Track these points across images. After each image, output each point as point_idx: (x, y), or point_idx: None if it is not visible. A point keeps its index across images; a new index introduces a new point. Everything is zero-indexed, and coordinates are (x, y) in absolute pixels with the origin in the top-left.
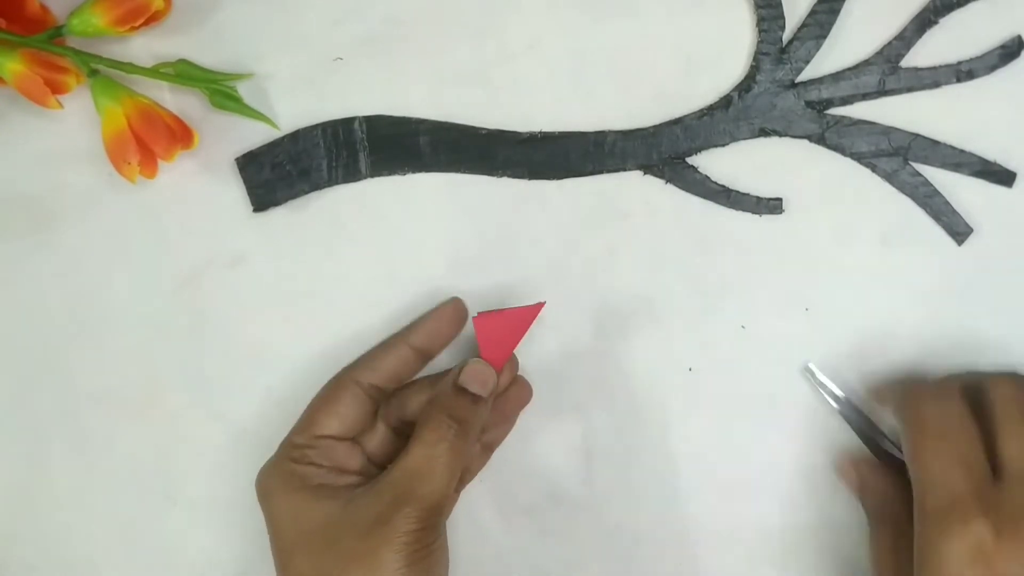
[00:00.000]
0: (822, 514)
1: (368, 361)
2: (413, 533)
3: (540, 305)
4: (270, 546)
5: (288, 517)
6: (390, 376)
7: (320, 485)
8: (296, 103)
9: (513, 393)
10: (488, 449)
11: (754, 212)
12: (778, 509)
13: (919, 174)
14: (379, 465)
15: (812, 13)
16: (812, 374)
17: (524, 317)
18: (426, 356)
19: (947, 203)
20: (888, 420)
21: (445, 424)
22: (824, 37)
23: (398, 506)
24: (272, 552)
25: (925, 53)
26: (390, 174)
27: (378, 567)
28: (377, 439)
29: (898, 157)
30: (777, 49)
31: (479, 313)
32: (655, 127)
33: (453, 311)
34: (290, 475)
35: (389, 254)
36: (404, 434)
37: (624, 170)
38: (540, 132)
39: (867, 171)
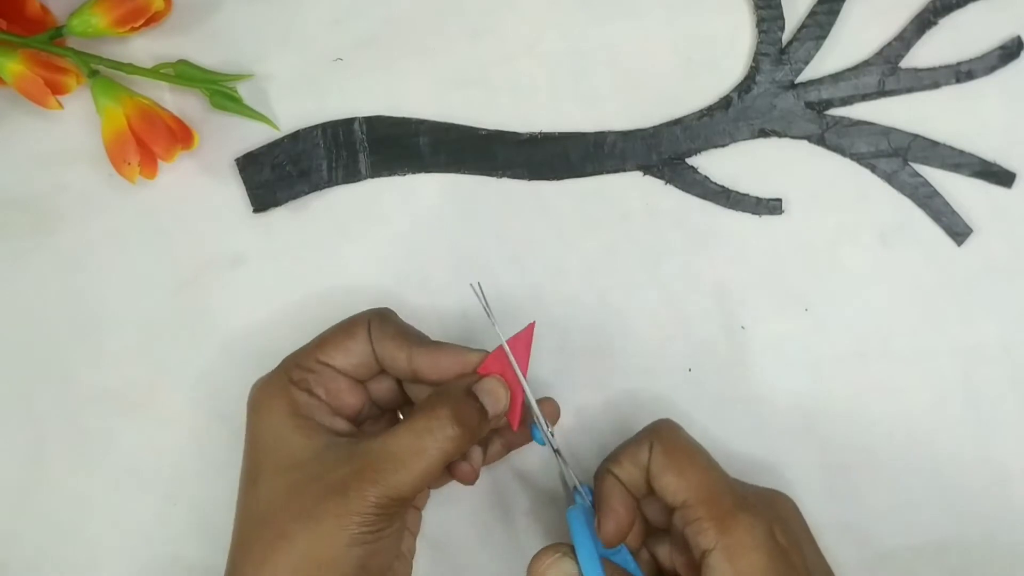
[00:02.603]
0: (823, 514)
1: (385, 327)
2: (366, 515)
3: (531, 325)
4: (243, 455)
5: (267, 438)
6: (381, 359)
7: (307, 418)
8: (296, 103)
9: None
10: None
11: (754, 212)
12: None
13: (919, 174)
14: (376, 415)
15: (812, 14)
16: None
17: (524, 340)
18: (416, 377)
19: (947, 203)
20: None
21: (444, 422)
22: (824, 38)
23: (362, 482)
24: (242, 460)
25: (925, 54)
26: (390, 174)
27: (322, 533)
28: (383, 388)
29: (898, 157)
30: (777, 50)
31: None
32: (655, 127)
33: (476, 361)
34: (283, 395)
35: (389, 254)
36: (409, 392)
37: (624, 170)
38: (540, 132)
39: (867, 171)
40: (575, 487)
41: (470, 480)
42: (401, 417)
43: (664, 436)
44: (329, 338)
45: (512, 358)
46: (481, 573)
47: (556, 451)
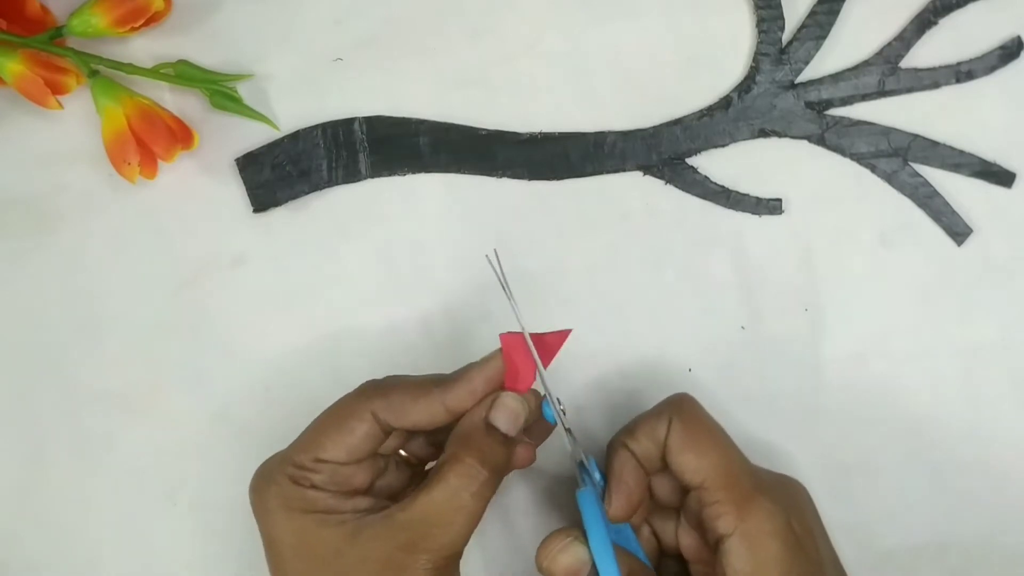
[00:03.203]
0: (823, 514)
1: (394, 402)
2: None
3: (567, 332)
4: (267, 563)
5: (290, 540)
6: (414, 425)
7: (325, 510)
8: (296, 103)
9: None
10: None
11: (754, 212)
12: None
13: (919, 174)
14: (383, 467)
15: (812, 14)
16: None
17: (552, 342)
18: (457, 415)
19: (947, 203)
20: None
21: (475, 470)
22: (824, 38)
23: (413, 553)
24: (269, 568)
25: (925, 54)
26: (390, 174)
27: None
28: (391, 440)
29: (898, 158)
30: (777, 50)
31: (507, 333)
32: (655, 127)
33: (497, 372)
34: (291, 496)
35: (389, 254)
36: (434, 447)
37: (624, 170)
38: (540, 132)
39: (867, 171)
40: (581, 461)
41: (529, 462)
42: (403, 453)
43: (685, 412)
44: (327, 432)
45: (522, 326)
46: (489, 559)
47: (567, 430)
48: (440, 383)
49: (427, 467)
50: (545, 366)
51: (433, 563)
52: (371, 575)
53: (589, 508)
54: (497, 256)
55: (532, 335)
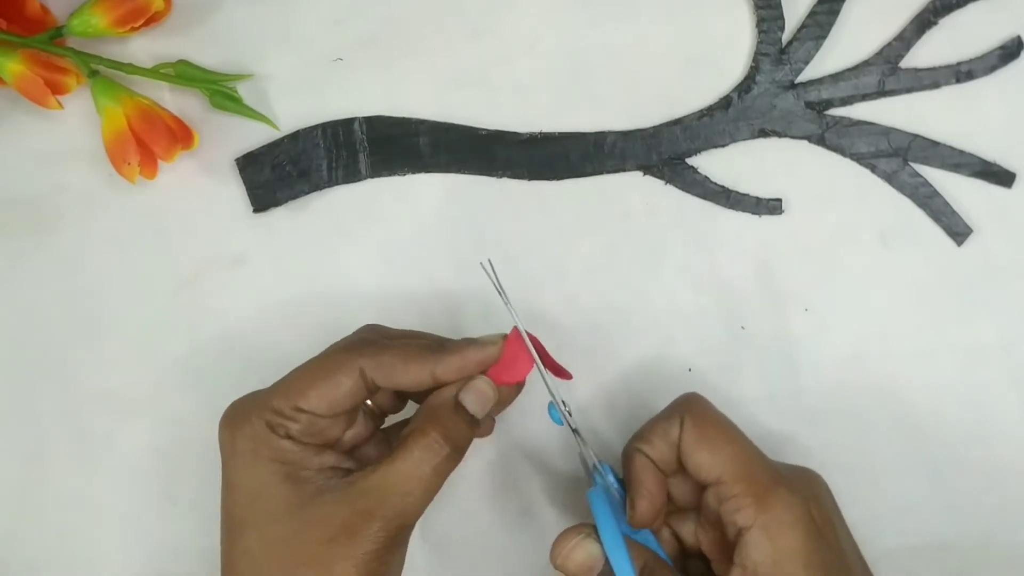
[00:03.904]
0: None
1: (384, 363)
2: (376, 550)
3: (568, 375)
4: (221, 502)
5: (249, 486)
6: (401, 387)
7: (294, 464)
8: (296, 103)
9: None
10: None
11: (754, 212)
12: None
13: (919, 175)
14: (364, 437)
15: (812, 14)
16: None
17: (552, 366)
18: (443, 384)
19: (947, 203)
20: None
21: (438, 444)
22: (824, 38)
23: (367, 519)
24: (221, 510)
25: (925, 54)
26: (390, 175)
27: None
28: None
29: (898, 158)
30: (777, 50)
31: (516, 328)
32: (655, 127)
33: (491, 358)
34: (264, 442)
35: (389, 254)
36: (399, 400)
37: (624, 170)
38: (540, 132)
39: (867, 171)
40: (594, 465)
41: (488, 433)
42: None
43: (695, 411)
44: (311, 382)
45: (524, 334)
46: (502, 559)
47: (575, 431)
48: (435, 351)
49: (386, 419)
50: (543, 353)
51: (386, 531)
52: (323, 538)
53: (600, 506)
54: (492, 265)
55: (541, 351)
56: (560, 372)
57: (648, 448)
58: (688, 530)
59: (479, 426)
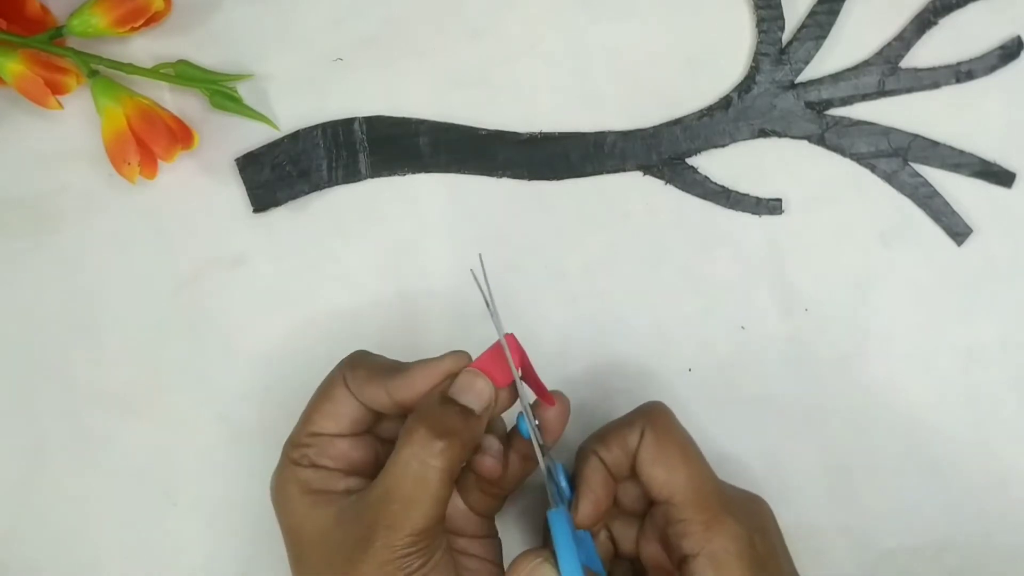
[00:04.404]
0: (823, 514)
1: (357, 376)
2: (397, 560)
3: (551, 401)
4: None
5: (293, 523)
6: (369, 404)
7: (318, 491)
8: (296, 103)
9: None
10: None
11: (754, 212)
12: (777, 510)
13: (919, 175)
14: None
15: (812, 14)
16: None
17: (536, 384)
18: (403, 407)
19: (947, 203)
20: None
21: (427, 439)
22: (824, 38)
23: (378, 531)
24: (287, 555)
25: (925, 54)
26: (390, 174)
27: None
28: (395, 423)
29: (898, 158)
30: (777, 50)
31: (511, 335)
32: (655, 127)
33: (448, 366)
34: (292, 478)
35: (389, 254)
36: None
37: (624, 170)
38: (540, 132)
39: (867, 171)
40: (548, 469)
41: (496, 472)
42: None
43: (658, 424)
44: (313, 407)
45: (505, 345)
46: None
47: (540, 445)
48: (392, 372)
49: None
50: (523, 361)
51: (401, 541)
52: (347, 555)
53: (560, 529)
54: (483, 267)
55: (526, 365)
56: (543, 392)
57: (604, 451)
58: (628, 536)
59: (478, 418)
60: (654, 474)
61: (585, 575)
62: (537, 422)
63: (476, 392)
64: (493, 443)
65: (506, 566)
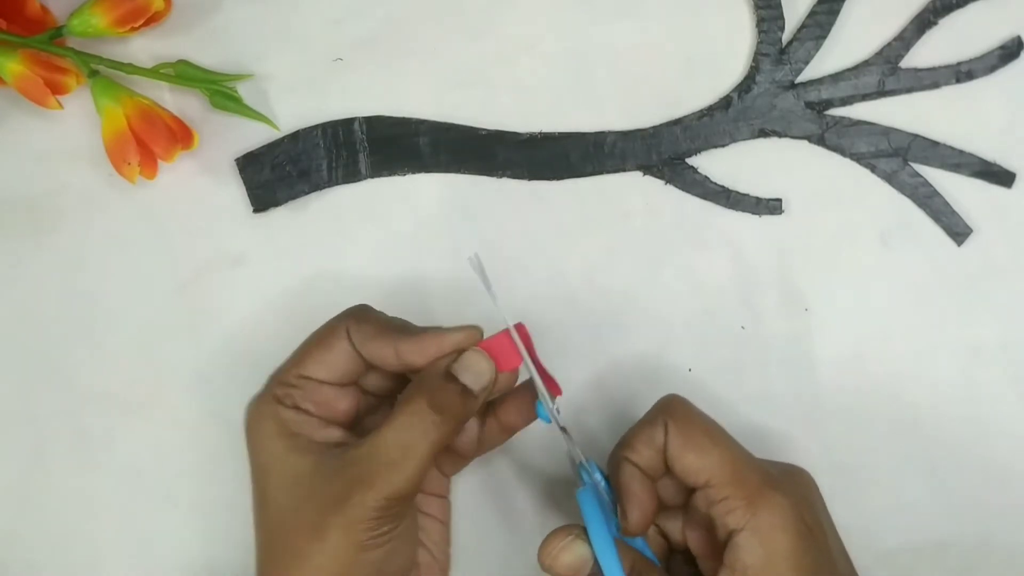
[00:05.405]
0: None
1: (362, 329)
2: (369, 520)
3: (558, 390)
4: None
5: (265, 462)
6: (370, 359)
7: (298, 435)
8: (296, 103)
9: (514, 406)
10: (505, 431)
11: (754, 212)
12: None
13: (919, 175)
14: (374, 406)
15: (812, 14)
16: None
17: (543, 373)
18: (409, 368)
19: (947, 203)
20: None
21: (424, 411)
22: (824, 38)
23: (356, 489)
24: (252, 491)
25: (925, 54)
26: (390, 174)
27: (332, 546)
28: (376, 381)
29: (898, 158)
30: (777, 50)
31: (520, 324)
32: (655, 128)
33: (462, 338)
34: (272, 416)
35: (389, 254)
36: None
37: (624, 170)
38: (540, 132)
39: (867, 171)
40: (581, 463)
41: (468, 452)
42: None
43: (678, 414)
44: (308, 351)
45: (514, 331)
46: (492, 559)
47: (563, 429)
48: (403, 331)
49: None
50: (531, 349)
51: (376, 503)
52: (321, 506)
53: (589, 506)
54: (479, 259)
55: (533, 354)
56: (551, 383)
57: (634, 455)
58: (675, 528)
59: (475, 399)
60: (687, 462)
61: (617, 548)
62: (557, 407)
63: (478, 373)
64: (472, 424)
65: (535, 550)
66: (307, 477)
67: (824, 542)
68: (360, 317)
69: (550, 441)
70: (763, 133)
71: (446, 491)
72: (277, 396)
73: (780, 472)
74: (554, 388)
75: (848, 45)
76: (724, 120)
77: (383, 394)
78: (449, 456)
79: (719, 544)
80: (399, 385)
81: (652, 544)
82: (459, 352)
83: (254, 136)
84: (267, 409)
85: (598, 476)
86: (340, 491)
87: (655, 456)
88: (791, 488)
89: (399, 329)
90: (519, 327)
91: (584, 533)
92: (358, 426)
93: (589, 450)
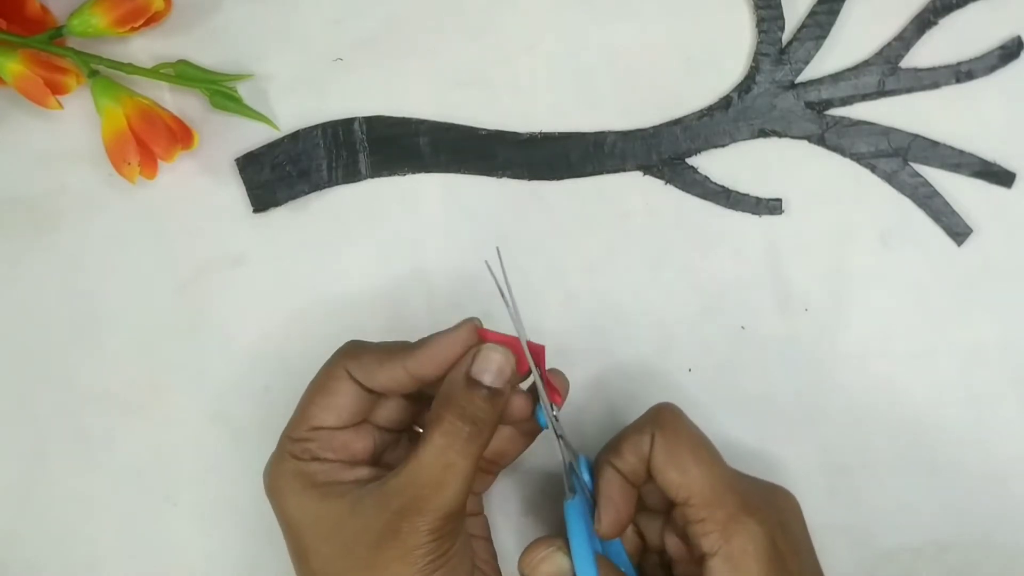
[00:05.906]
0: (823, 514)
1: (364, 363)
2: (426, 545)
3: (559, 400)
4: (285, 544)
5: (299, 518)
6: (382, 387)
7: (326, 483)
8: (296, 103)
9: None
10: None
11: (754, 212)
12: None
13: (919, 175)
14: (392, 440)
15: (812, 14)
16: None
17: (546, 380)
18: (423, 381)
19: (947, 203)
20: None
21: (456, 426)
22: (824, 38)
23: (406, 517)
24: (288, 550)
25: (925, 54)
26: (390, 174)
27: None
28: (389, 413)
29: (898, 158)
30: (777, 50)
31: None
32: (655, 128)
33: (465, 336)
34: (295, 473)
35: (389, 254)
36: (423, 398)
37: (624, 170)
38: (540, 132)
39: (867, 171)
40: (571, 465)
41: (527, 415)
42: (419, 430)
43: (667, 426)
44: (311, 400)
45: (524, 339)
46: None
47: (559, 436)
48: (407, 348)
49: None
50: (540, 357)
51: (429, 525)
52: (372, 544)
53: (575, 519)
54: (500, 261)
55: (540, 361)
56: (552, 391)
57: (618, 461)
58: (654, 529)
59: (502, 398)
60: (668, 477)
61: (598, 565)
62: (555, 412)
63: (498, 368)
64: (504, 427)
65: (520, 555)
66: (347, 519)
67: (797, 569)
68: (355, 353)
69: (539, 447)
70: (763, 133)
71: (481, 508)
72: (293, 453)
73: (761, 494)
74: (556, 397)
75: (848, 45)
76: (724, 120)
77: (398, 428)
78: (479, 469)
79: (693, 559)
80: (411, 414)
81: (628, 544)
82: (469, 350)
83: (254, 136)
84: (287, 467)
85: (586, 476)
86: (389, 523)
87: (639, 464)
88: (767, 514)
89: (400, 349)
90: (536, 347)
91: (566, 545)
92: (380, 463)
93: (587, 450)
